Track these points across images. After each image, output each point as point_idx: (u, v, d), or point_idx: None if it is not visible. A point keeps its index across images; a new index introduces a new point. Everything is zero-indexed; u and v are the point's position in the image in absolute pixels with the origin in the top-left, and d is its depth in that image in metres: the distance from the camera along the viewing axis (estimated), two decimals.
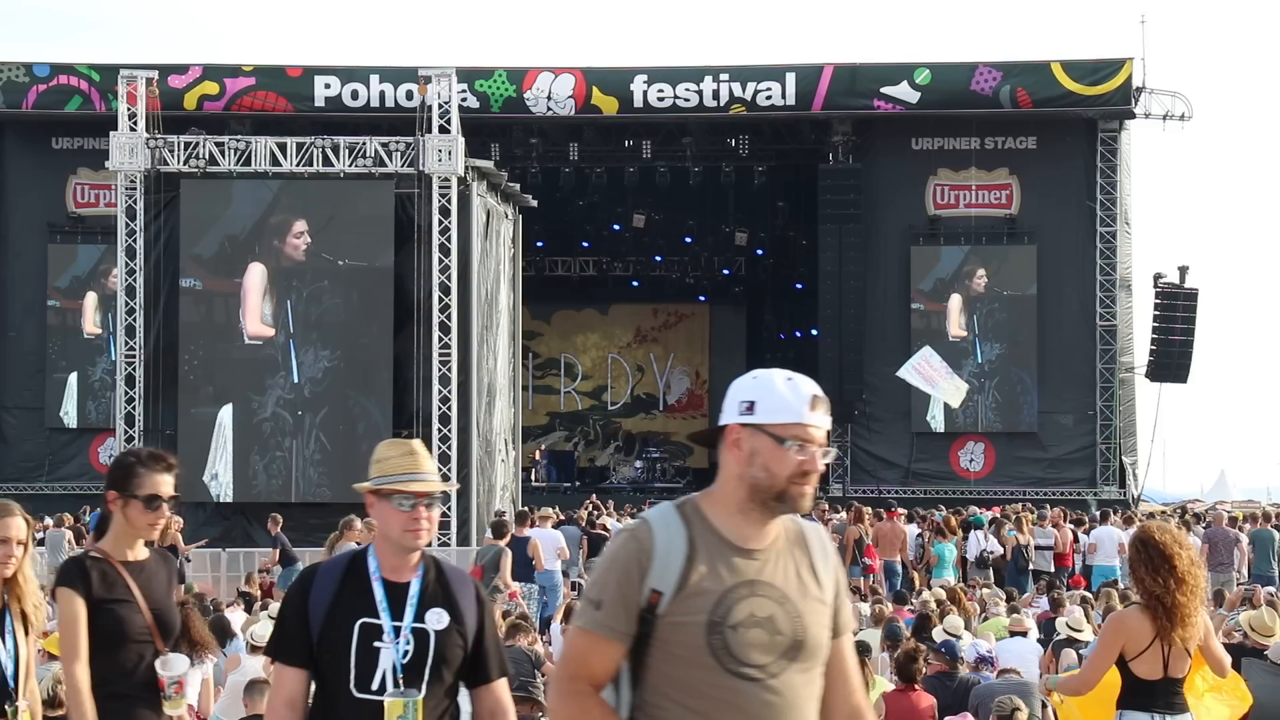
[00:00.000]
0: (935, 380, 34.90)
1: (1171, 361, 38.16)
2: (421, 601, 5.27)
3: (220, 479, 29.52)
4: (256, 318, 29.78)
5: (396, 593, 5.27)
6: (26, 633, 6.61)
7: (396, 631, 5.21)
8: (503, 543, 20.26)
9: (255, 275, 29.84)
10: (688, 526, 4.22)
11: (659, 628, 4.18)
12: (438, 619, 5.25)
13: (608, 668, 4.22)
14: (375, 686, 5.16)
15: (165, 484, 6.38)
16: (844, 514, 27.87)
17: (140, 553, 6.40)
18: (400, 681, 5.17)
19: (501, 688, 5.40)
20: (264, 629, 12.96)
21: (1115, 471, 38.42)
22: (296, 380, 29.70)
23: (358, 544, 17.50)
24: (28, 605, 6.60)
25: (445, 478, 5.78)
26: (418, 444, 5.44)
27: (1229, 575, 24.52)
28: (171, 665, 6.32)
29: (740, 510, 4.24)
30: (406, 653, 5.19)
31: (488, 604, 5.49)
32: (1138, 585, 8.50)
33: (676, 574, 4.16)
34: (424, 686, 5.19)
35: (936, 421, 38.80)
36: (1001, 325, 38.84)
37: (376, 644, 5.18)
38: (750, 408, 4.24)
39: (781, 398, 4.24)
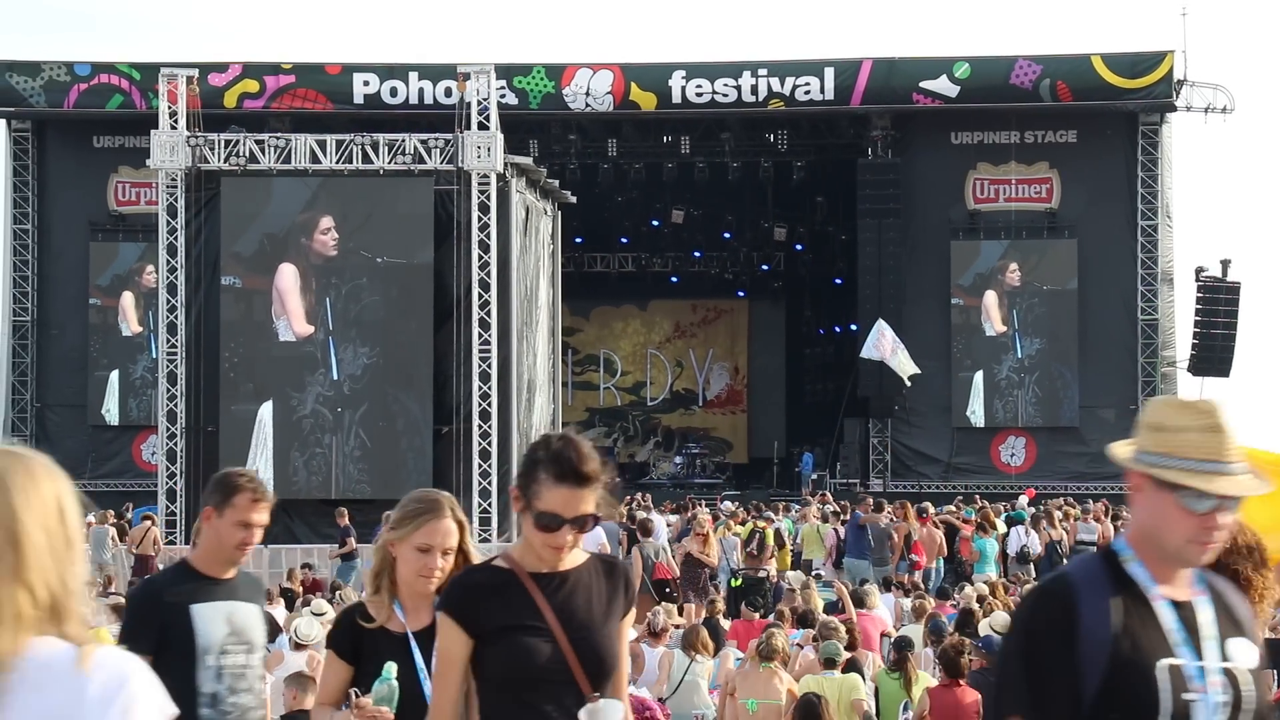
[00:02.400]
0: (887, 353, 34.73)
1: (1214, 355, 37.97)
2: (1219, 629, 3.74)
3: (260, 476, 29.54)
4: (301, 317, 29.85)
5: (1185, 617, 3.70)
6: None
7: (1202, 674, 3.65)
8: None
9: (288, 276, 29.89)
10: None
11: None
12: (1245, 653, 3.72)
13: None
14: None
15: (577, 501, 4.68)
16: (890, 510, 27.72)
17: (566, 559, 4.76)
18: None
19: None
20: (308, 626, 12.98)
21: None
22: (336, 377, 29.76)
23: None
24: None
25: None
26: (1223, 412, 3.73)
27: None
28: (601, 714, 4.67)
29: None
30: (1225, 704, 3.65)
31: None
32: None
33: None
34: None
35: (976, 416, 38.71)
36: (1041, 320, 38.70)
37: (1186, 695, 3.62)
38: None
39: None
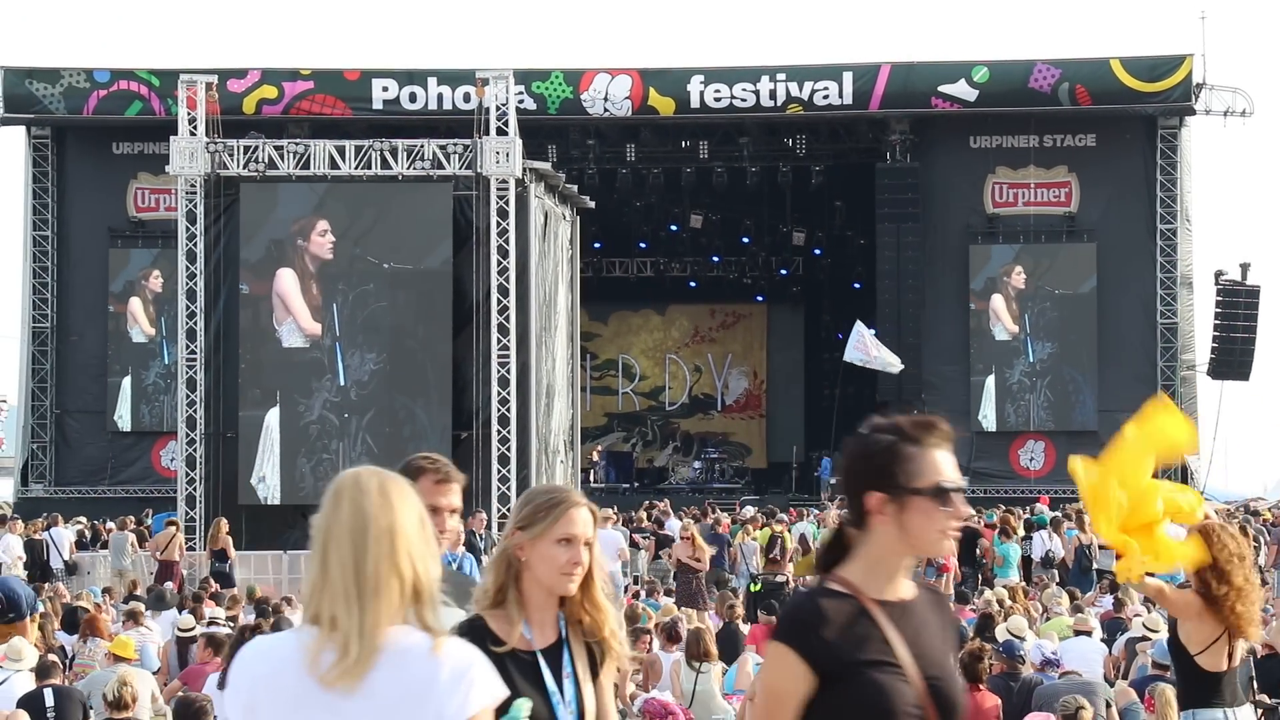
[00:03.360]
0: (872, 352, 34.71)
1: (1233, 359, 37.86)
2: None
3: (268, 481, 29.63)
4: (307, 315, 29.87)
5: None
6: (596, 673, 4.91)
7: None
8: None
9: (286, 280, 29.91)
10: None
11: None
12: None
13: None
14: None
15: (948, 465, 4.11)
16: None
17: (905, 588, 4.14)
18: None
19: None
20: None
21: (1177, 470, 38.12)
22: (343, 383, 29.78)
23: None
24: (604, 632, 4.93)
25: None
26: None
27: None
28: None
29: None
30: None
31: None
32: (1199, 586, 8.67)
33: None
34: None
35: (988, 420, 38.56)
36: (1053, 324, 38.59)
37: None
38: None
39: None
